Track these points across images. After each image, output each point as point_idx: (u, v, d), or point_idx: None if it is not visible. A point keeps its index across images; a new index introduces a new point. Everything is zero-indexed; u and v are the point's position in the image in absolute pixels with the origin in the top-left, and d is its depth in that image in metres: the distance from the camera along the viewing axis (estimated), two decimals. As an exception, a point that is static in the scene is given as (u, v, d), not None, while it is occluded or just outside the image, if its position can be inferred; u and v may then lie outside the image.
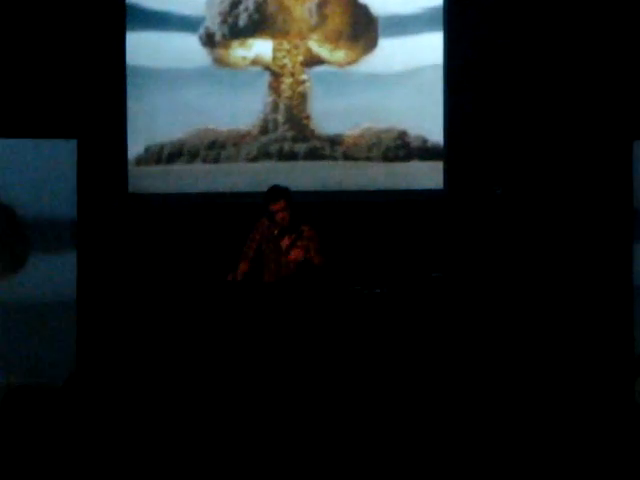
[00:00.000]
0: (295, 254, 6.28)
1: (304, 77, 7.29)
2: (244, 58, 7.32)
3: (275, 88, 7.30)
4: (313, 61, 7.31)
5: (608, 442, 4.83)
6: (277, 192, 6.31)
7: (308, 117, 7.31)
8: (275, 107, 7.32)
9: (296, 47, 7.29)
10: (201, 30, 7.30)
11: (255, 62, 7.32)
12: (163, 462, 4.91)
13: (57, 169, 6.35)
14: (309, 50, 7.30)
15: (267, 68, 7.32)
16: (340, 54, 7.30)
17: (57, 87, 7.02)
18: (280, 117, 7.32)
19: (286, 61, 7.29)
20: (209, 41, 7.31)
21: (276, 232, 6.35)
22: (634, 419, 5.29)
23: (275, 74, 7.31)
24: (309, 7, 7.30)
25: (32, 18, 7.02)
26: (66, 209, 6.37)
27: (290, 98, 7.31)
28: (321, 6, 7.30)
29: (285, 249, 6.35)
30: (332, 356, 6.08)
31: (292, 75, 7.29)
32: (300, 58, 7.29)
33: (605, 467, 4.56)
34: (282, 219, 6.29)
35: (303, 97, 7.31)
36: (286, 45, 7.30)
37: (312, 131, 7.32)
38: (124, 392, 5.86)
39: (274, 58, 7.30)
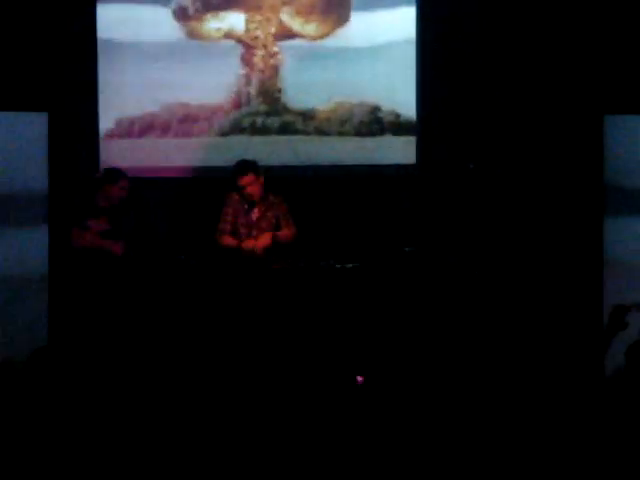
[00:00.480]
0: (262, 241, 6.28)
1: (276, 49, 7.25)
2: (218, 30, 7.25)
3: (247, 61, 7.25)
4: (285, 34, 7.26)
5: (578, 416, 4.86)
6: (244, 166, 6.33)
7: (280, 90, 7.26)
8: (248, 80, 7.27)
9: (268, 20, 7.24)
10: (173, 4, 7.24)
11: (228, 35, 7.26)
12: (132, 438, 4.92)
13: (28, 143, 6.31)
14: (281, 23, 7.25)
15: (239, 41, 7.25)
16: (312, 27, 7.25)
17: (28, 60, 6.93)
18: (252, 90, 7.28)
19: (258, 33, 7.23)
20: (182, 14, 7.24)
21: (246, 206, 6.36)
22: (604, 393, 5.33)
23: (247, 46, 7.25)
24: (282, -20, 7.26)
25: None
26: (37, 183, 6.35)
27: (262, 71, 7.27)
28: (294, -21, 7.26)
29: (256, 222, 6.37)
30: (304, 331, 6.10)
31: (264, 47, 7.24)
32: (272, 30, 7.24)
33: (575, 441, 4.59)
34: (251, 193, 6.30)
35: (275, 70, 7.26)
36: (258, 17, 7.25)
37: (284, 105, 7.28)
38: (95, 366, 5.86)
39: (246, 30, 7.23)
